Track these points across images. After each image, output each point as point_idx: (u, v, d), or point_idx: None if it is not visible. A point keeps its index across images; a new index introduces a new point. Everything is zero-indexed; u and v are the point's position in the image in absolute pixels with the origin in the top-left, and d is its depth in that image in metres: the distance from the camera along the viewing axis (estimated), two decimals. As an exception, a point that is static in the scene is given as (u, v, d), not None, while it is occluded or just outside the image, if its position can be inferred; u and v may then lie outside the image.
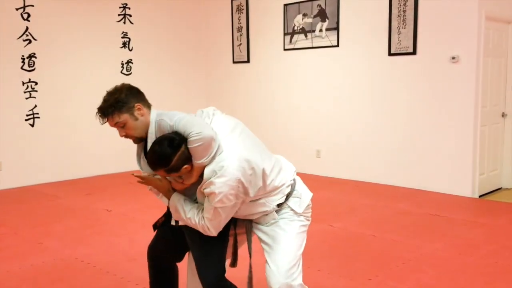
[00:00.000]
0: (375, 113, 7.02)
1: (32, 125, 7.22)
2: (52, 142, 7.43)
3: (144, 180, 2.48)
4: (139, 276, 3.76)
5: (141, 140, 2.55)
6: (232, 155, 2.35)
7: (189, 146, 2.34)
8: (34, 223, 5.37)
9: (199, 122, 2.41)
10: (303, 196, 2.62)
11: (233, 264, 2.67)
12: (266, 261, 2.48)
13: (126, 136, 2.53)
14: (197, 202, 2.49)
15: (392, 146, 6.87)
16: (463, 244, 4.56)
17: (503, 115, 6.65)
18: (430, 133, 6.49)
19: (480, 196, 6.29)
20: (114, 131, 2.52)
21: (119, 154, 7.81)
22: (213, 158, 2.35)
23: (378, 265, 4.04)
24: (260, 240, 2.57)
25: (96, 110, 2.50)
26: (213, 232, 2.41)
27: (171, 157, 2.32)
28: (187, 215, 2.43)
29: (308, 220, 2.64)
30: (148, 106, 2.55)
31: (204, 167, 2.36)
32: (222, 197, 2.31)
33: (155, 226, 2.78)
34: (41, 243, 4.70)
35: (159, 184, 2.50)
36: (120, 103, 2.45)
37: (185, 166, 2.35)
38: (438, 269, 3.95)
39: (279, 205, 2.55)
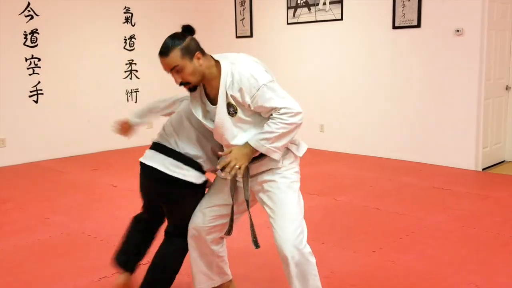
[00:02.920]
0: (378, 87, 7.00)
1: (36, 102, 7.22)
2: (56, 118, 7.44)
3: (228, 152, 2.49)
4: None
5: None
6: None
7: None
8: (40, 198, 5.42)
9: None
10: (301, 144, 2.69)
11: (229, 232, 2.66)
12: (274, 228, 2.47)
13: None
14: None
15: (396, 120, 6.87)
16: (466, 216, 4.59)
17: (507, 88, 6.62)
18: (434, 106, 6.48)
19: (483, 169, 6.30)
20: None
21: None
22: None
23: (381, 238, 4.08)
24: (263, 203, 2.56)
25: None
26: (296, 107, 2.42)
27: (183, 37, 2.43)
28: (270, 128, 2.40)
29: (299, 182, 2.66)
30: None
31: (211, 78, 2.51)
32: (260, 74, 2.45)
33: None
34: (48, 218, 4.75)
35: (242, 151, 2.46)
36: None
37: (198, 52, 2.46)
38: (441, 241, 3.99)
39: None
